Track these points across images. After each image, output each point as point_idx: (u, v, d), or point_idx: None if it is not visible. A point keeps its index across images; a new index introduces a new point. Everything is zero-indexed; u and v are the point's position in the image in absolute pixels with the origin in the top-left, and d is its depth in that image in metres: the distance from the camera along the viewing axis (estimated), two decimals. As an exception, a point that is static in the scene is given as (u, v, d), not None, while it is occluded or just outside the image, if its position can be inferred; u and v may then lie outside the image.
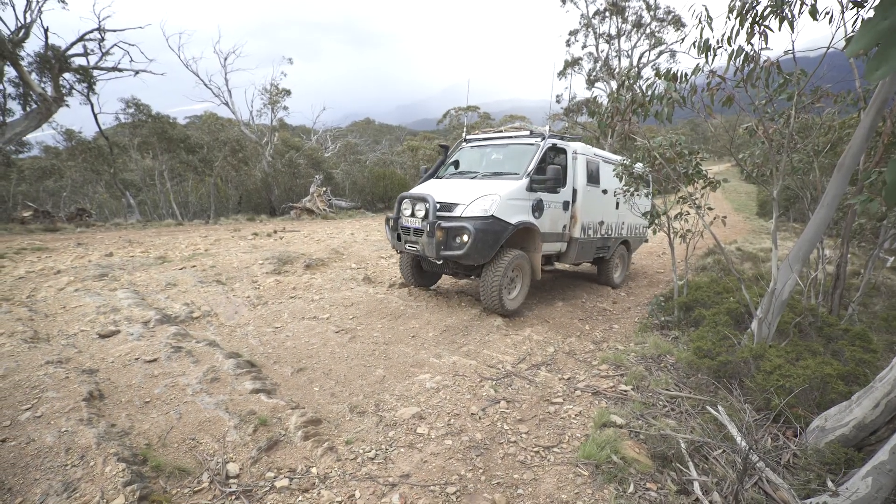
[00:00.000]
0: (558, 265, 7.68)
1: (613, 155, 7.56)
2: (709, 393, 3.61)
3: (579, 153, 6.38)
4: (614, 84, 25.22)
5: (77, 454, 2.45)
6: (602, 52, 25.95)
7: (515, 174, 5.60)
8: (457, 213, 5.08)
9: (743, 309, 4.92)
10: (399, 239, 5.57)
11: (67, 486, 2.24)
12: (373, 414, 3.25)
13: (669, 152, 5.06)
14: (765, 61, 3.55)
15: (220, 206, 20.94)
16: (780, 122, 4.12)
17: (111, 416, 2.94)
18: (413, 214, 5.37)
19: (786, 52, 3.57)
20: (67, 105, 15.12)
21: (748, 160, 5.22)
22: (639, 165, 5.69)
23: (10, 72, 13.85)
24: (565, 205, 6.14)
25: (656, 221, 5.74)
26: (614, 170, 6.16)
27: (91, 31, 15.15)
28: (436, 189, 5.64)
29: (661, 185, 5.72)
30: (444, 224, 4.95)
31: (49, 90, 14.53)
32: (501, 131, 6.60)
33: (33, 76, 14.29)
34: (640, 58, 25.38)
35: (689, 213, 5.70)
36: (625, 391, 3.79)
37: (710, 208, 5.30)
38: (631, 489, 2.54)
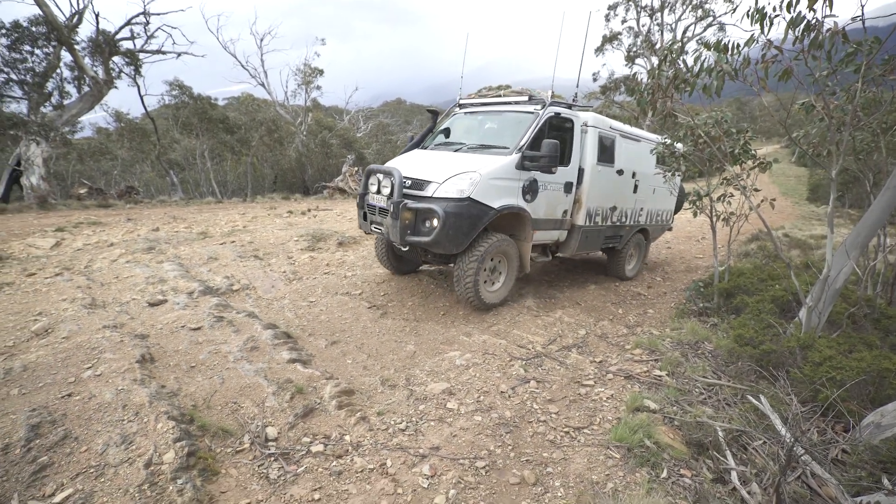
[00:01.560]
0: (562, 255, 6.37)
1: (637, 129, 6.62)
2: (749, 382, 3.48)
3: (590, 125, 5.41)
4: (655, 60, 24.00)
5: (132, 411, 2.63)
6: (643, 26, 24.70)
7: (505, 148, 4.79)
8: (428, 192, 4.35)
9: (790, 297, 4.68)
10: (365, 218, 4.92)
11: (125, 439, 2.41)
12: (403, 387, 3.32)
13: (714, 130, 4.79)
14: (828, 30, 3.26)
15: (257, 185, 21.59)
16: (842, 97, 3.80)
17: (161, 377, 3.13)
18: (379, 191, 4.63)
19: (853, 19, 3.26)
20: (116, 87, 15.79)
21: (803, 139, 4.87)
22: (678, 145, 5.41)
23: (65, 56, 14.55)
24: (567, 186, 5.29)
25: (697, 203, 5.47)
26: (653, 150, 5.85)
27: (137, 15, 15.64)
28: (411, 162, 4.93)
29: (705, 165, 5.43)
30: (412, 205, 4.23)
31: (100, 73, 15.19)
32: (500, 95, 5.65)
33: (86, 60, 14.96)
34: (684, 32, 23.97)
35: (733, 196, 5.41)
36: (659, 376, 3.71)
37: (756, 190, 5.01)
38: (664, 474, 2.50)
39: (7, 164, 13.81)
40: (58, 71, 14.72)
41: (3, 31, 13.23)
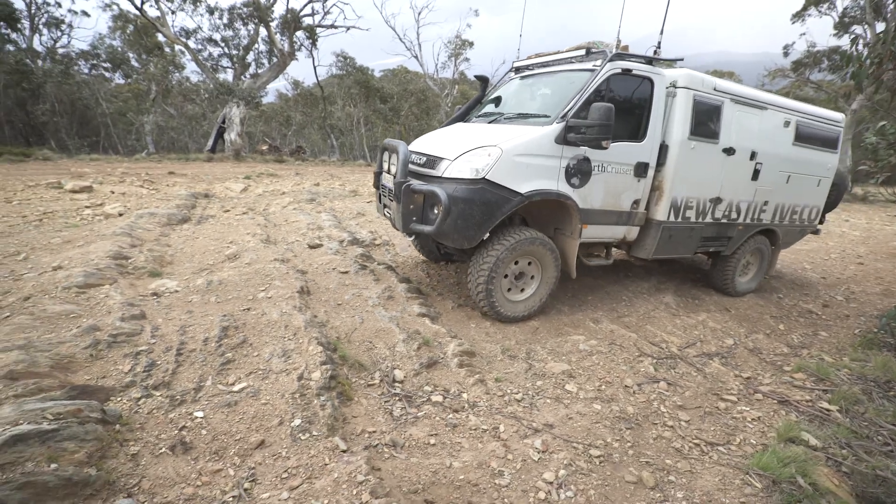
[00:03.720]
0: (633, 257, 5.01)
1: (762, 93, 4.92)
2: (969, 446, 2.69)
3: (680, 86, 4.11)
4: (880, 26, 18.83)
5: (292, 331, 3.13)
6: (872, -18, 19.38)
7: (545, 117, 3.82)
8: (438, 171, 3.66)
9: None
10: (381, 200, 4.37)
11: (285, 353, 2.89)
12: (523, 360, 3.33)
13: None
14: None
15: (400, 153, 23.26)
16: None
17: (314, 309, 3.64)
18: (389, 170, 4.03)
19: None
20: (296, 59, 18.22)
21: None
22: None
23: (261, 32, 17.25)
24: (640, 168, 4.06)
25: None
26: (865, 137, 4.65)
27: (317, -7, 17.65)
28: (435, 137, 4.28)
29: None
30: (417, 187, 3.55)
31: (286, 46, 17.65)
32: (560, 52, 4.44)
33: (277, 35, 17.50)
34: (937, -13, 18.15)
35: None
36: (826, 410, 3.10)
37: None
38: (821, 521, 2.11)
39: (216, 122, 17.11)
40: (255, 45, 17.56)
41: (222, 13, 16.24)
